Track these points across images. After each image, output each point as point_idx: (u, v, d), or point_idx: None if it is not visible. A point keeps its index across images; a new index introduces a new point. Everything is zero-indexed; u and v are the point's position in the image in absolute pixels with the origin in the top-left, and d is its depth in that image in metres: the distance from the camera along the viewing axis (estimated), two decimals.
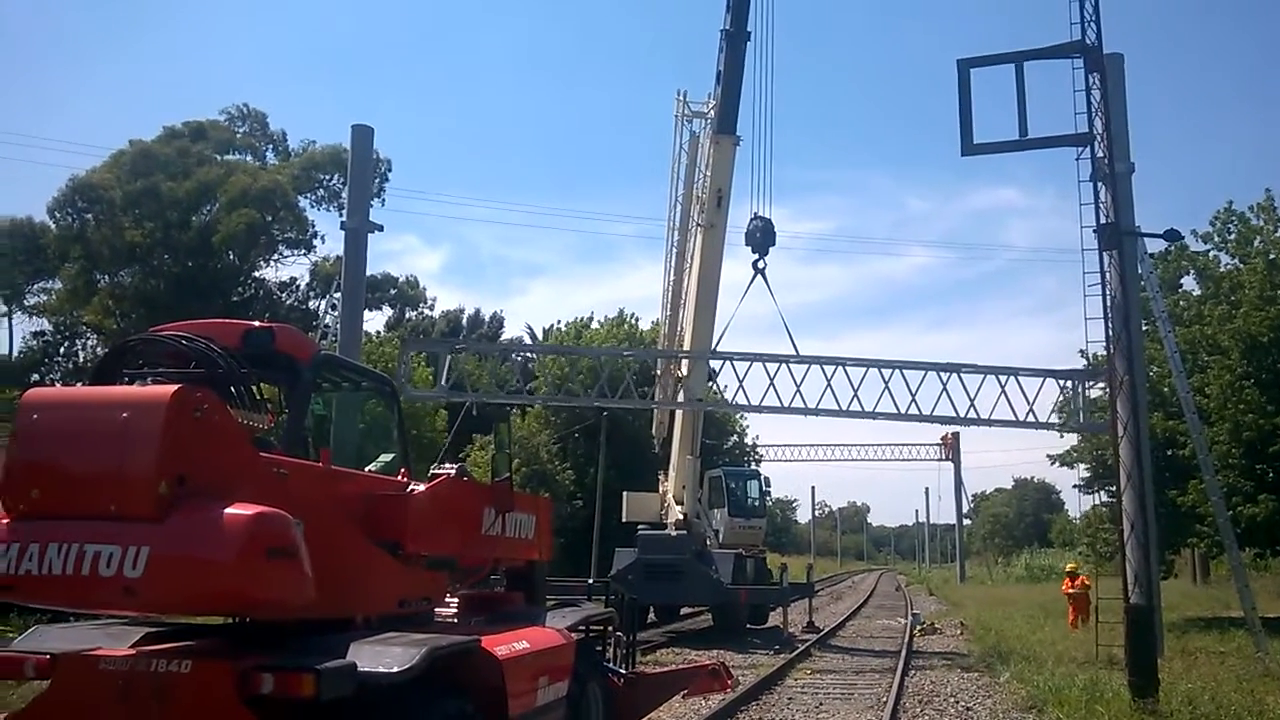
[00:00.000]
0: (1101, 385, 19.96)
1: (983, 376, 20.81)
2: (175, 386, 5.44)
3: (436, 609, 8.50)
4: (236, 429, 5.78)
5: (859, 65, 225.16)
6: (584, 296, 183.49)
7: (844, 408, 20.81)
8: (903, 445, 75.11)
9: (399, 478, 7.93)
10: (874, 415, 20.89)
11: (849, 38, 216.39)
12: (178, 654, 5.74)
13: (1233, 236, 27.22)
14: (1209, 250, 28.11)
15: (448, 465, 8.27)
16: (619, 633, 10.94)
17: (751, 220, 24.40)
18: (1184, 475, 23.93)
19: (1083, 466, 29.94)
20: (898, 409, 20.74)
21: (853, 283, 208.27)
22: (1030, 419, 20.37)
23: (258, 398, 6.38)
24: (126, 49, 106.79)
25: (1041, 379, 20.62)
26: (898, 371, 20.78)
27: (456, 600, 8.96)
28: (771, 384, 21.18)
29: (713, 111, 24.90)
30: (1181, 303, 27.74)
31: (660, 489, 27.67)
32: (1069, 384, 20.28)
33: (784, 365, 21.29)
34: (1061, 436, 21.13)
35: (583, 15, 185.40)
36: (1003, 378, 20.60)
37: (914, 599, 44.59)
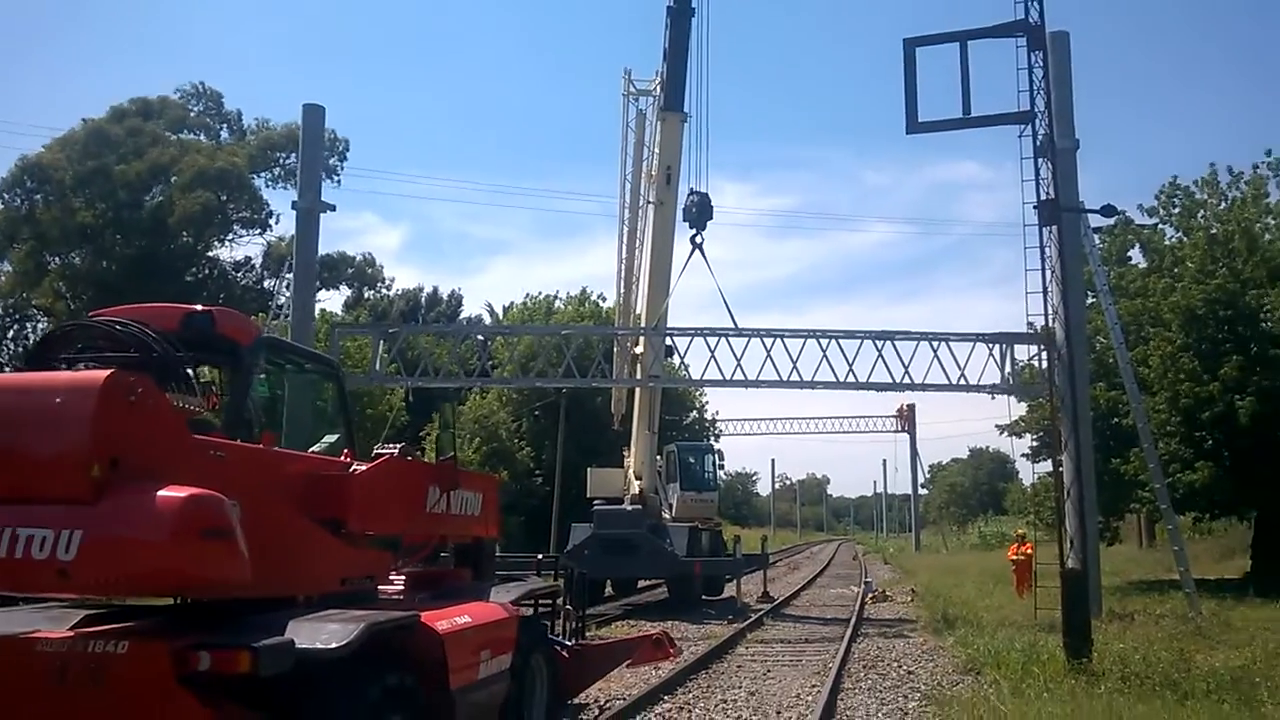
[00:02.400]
0: (1033, 351, 20.47)
1: (915, 344, 21.25)
2: (109, 370, 5.49)
3: (382, 587, 8.66)
4: (172, 412, 5.84)
5: (819, 42, 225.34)
6: (546, 274, 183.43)
7: (784, 378, 21.10)
8: (860, 418, 75.95)
9: (342, 458, 8.03)
10: (814, 385, 21.22)
11: (809, 13, 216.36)
12: (114, 635, 5.82)
13: (1176, 210, 27.80)
14: (1155, 224, 28.71)
15: (391, 445, 8.37)
16: (569, 606, 11.18)
17: (689, 195, 24.60)
18: (1127, 444, 24.54)
19: (1031, 436, 30.57)
20: (836, 378, 21.09)
21: (818, 257, 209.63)
22: (963, 383, 20.79)
23: (195, 381, 6.45)
24: (76, 27, 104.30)
25: (972, 343, 21.07)
26: (834, 341, 21.12)
27: (403, 578, 9.13)
28: (713, 357, 21.48)
29: (659, 89, 24.98)
30: (1127, 275, 28.30)
31: (624, 465, 27.92)
32: (998, 348, 20.72)
33: (724, 339, 21.55)
34: (993, 399, 21.62)
35: None
36: (936, 344, 21.05)
37: (869, 567, 45.35)
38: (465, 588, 9.09)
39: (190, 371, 6.69)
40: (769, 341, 21.28)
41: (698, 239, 24.67)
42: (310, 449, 8.69)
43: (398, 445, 8.37)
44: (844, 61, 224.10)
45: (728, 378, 21.43)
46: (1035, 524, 31.56)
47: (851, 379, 21.16)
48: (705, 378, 22.91)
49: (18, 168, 48.59)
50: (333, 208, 21.33)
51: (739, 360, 21.45)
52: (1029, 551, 23.58)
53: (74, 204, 48.94)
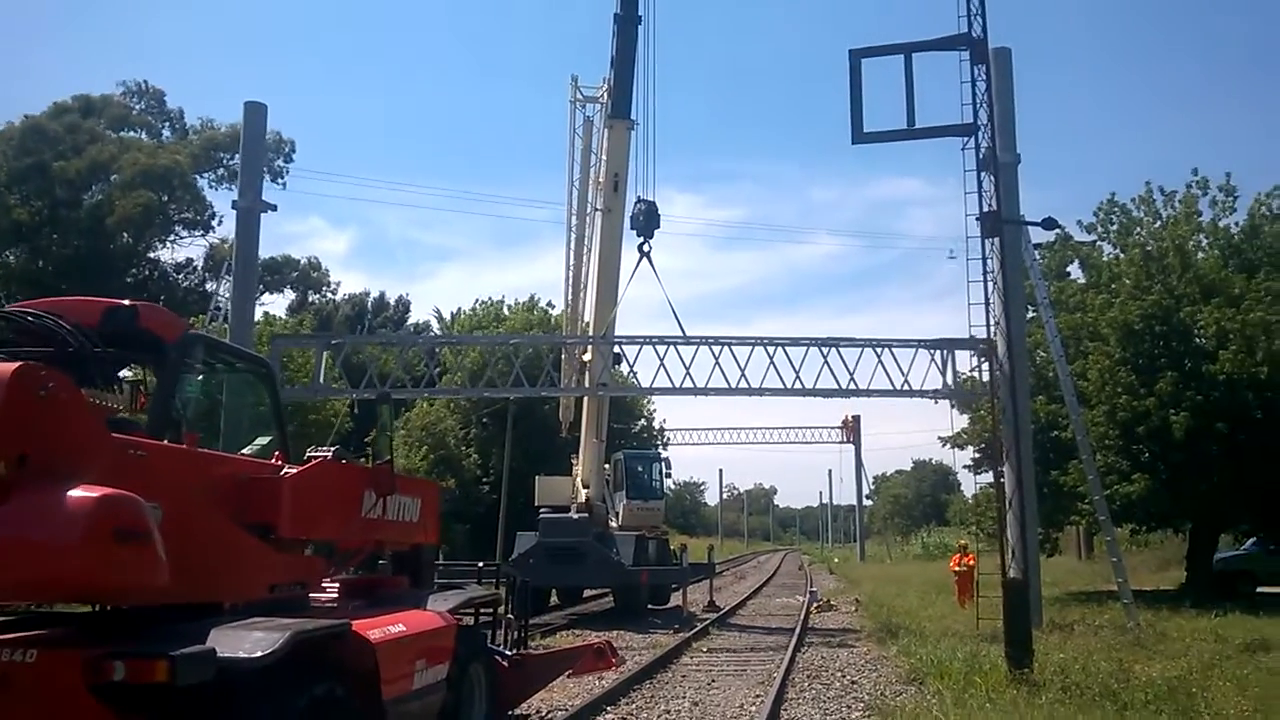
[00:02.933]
0: (975, 363, 20.69)
1: (860, 350, 21.35)
2: (17, 364, 5.21)
3: (315, 594, 8.41)
4: (86, 408, 5.57)
5: (768, 56, 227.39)
6: (496, 280, 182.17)
7: (732, 385, 21.10)
8: (806, 428, 76.42)
9: (273, 460, 7.78)
10: (761, 392, 21.22)
11: (759, 28, 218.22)
12: (23, 643, 5.52)
13: (1115, 228, 28.36)
14: (1094, 240, 29.26)
15: (324, 448, 8.13)
16: (510, 615, 10.98)
17: (636, 203, 24.59)
18: (1066, 456, 24.92)
19: (973, 448, 30.92)
20: (784, 385, 21.13)
21: (764, 269, 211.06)
22: (906, 388, 20.96)
23: (115, 377, 6.18)
24: (18, 19, 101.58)
25: (914, 349, 21.24)
26: (781, 349, 21.19)
27: (337, 585, 8.88)
28: (662, 365, 21.42)
29: (605, 96, 24.96)
30: (1066, 290, 28.79)
31: (572, 473, 27.73)
32: (939, 354, 20.94)
33: (672, 347, 21.51)
34: (936, 403, 21.84)
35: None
36: (879, 349, 21.18)
37: (815, 577, 45.56)
38: (402, 596, 8.87)
39: (114, 368, 6.41)
40: (717, 350, 21.26)
41: (645, 247, 24.68)
42: (242, 451, 8.45)
43: (331, 448, 8.12)
44: (793, 77, 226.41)
45: (676, 386, 21.36)
46: (977, 534, 31.92)
47: (799, 385, 21.21)
48: (653, 386, 22.79)
49: None
50: (274, 207, 20.89)
51: (688, 369, 21.48)
52: (971, 563, 23.79)
53: (9, 201, 47.55)
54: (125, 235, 50.53)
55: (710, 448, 78.98)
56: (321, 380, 21.28)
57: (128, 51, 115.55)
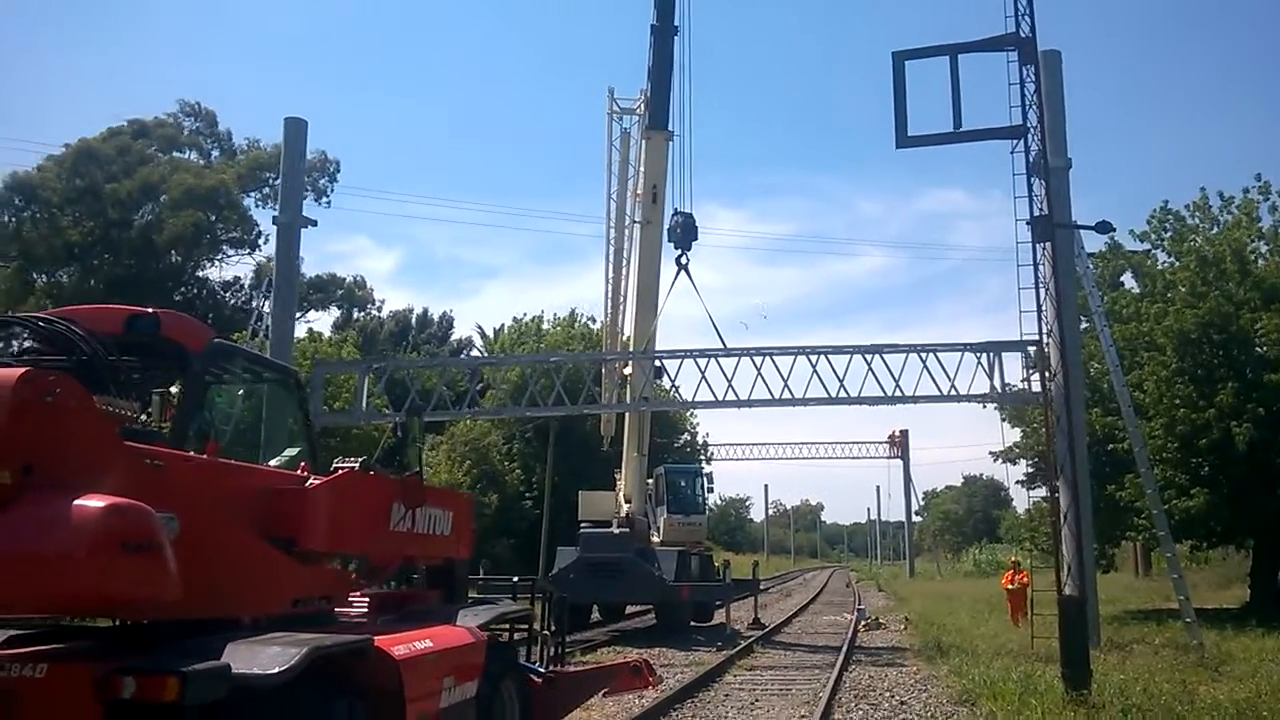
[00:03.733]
0: (1024, 374, 20.08)
1: (904, 356, 20.92)
2: (22, 369, 5.06)
3: (344, 609, 8.21)
4: (98, 417, 5.40)
5: (813, 69, 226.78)
6: (539, 297, 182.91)
7: (776, 396, 20.72)
8: (853, 443, 75.40)
9: (299, 472, 7.60)
10: (805, 402, 20.83)
11: (803, 40, 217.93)
12: (34, 657, 5.35)
13: (1169, 235, 27.57)
14: (1148, 249, 28.51)
15: (350, 459, 7.93)
16: (548, 631, 10.70)
17: (673, 216, 24.36)
18: (1123, 470, 24.16)
19: (1025, 462, 30.19)
20: (829, 394, 20.72)
21: (810, 284, 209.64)
22: (953, 393, 20.44)
23: (133, 385, 6.02)
24: (74, 41, 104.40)
25: (960, 353, 20.72)
26: (824, 358, 20.81)
27: (366, 600, 8.67)
28: (704, 378, 21.18)
29: (642, 108, 24.83)
30: (1121, 300, 28.02)
31: (615, 488, 27.50)
32: (985, 357, 20.39)
33: (714, 360, 21.23)
34: (984, 408, 21.24)
35: (544, 15, 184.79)
36: (924, 354, 20.69)
37: (863, 595, 44.77)
38: (433, 611, 8.63)
39: (132, 376, 6.26)
40: (759, 360, 20.94)
41: (683, 259, 24.47)
42: (270, 462, 8.29)
43: (359, 459, 7.92)
44: (837, 89, 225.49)
45: (718, 399, 21.04)
46: (1030, 550, 31.09)
47: (843, 395, 20.79)
48: (694, 400, 22.48)
49: (6, 185, 48.29)
50: (314, 223, 21.00)
51: (730, 381, 21.23)
52: (1024, 581, 23.10)
53: (62, 222, 48.63)
54: (174, 254, 51.45)
55: (756, 463, 78.08)
56: (364, 405, 21.28)
57: (178, 72, 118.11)
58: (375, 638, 6.56)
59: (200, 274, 54.62)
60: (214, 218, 50.98)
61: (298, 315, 57.54)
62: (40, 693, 5.13)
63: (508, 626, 9.48)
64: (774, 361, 20.92)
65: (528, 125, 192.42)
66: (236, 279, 55.23)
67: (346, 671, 6.16)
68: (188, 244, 49.96)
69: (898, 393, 20.74)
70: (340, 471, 7.53)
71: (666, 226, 24.58)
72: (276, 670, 5.31)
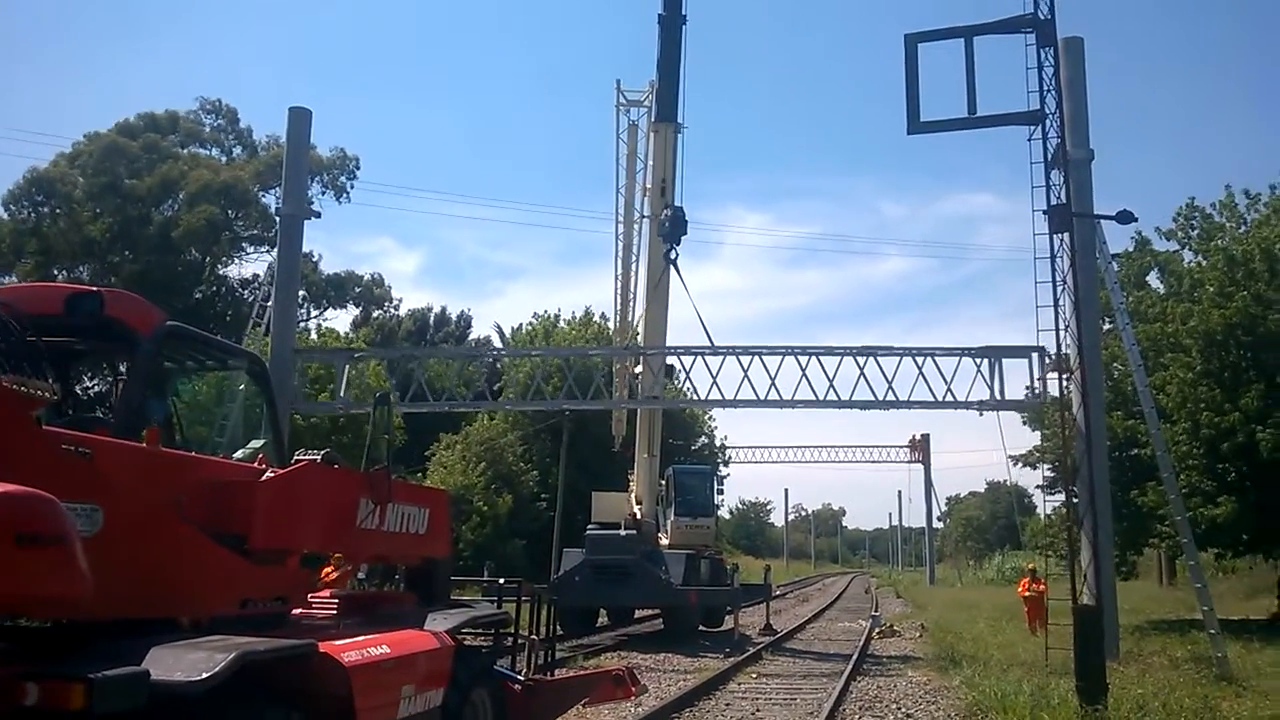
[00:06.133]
0: (1041, 366, 19.41)
1: (899, 359, 20.36)
2: None
3: (308, 611, 7.80)
4: (5, 399, 4.98)
5: (833, 70, 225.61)
6: (561, 298, 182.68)
7: (762, 397, 20.23)
8: (873, 447, 74.63)
9: (256, 464, 7.18)
10: (793, 404, 20.30)
11: (827, 42, 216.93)
12: None
13: (1195, 233, 26.80)
14: (1174, 248, 27.75)
15: (312, 451, 7.51)
16: (535, 636, 10.25)
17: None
18: (1146, 475, 23.44)
19: (1046, 466, 29.44)
20: (816, 396, 20.23)
21: (835, 287, 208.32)
22: (949, 399, 19.83)
23: (59, 367, 5.61)
24: (93, 36, 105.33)
25: (958, 357, 20.19)
26: (814, 358, 20.39)
27: (335, 601, 8.26)
28: (715, 382, 20.81)
29: (650, 100, 24.38)
30: (1145, 301, 27.25)
31: (628, 489, 27.06)
32: (985, 362, 19.77)
33: (699, 357, 20.95)
34: (980, 415, 20.32)
35: (568, 15, 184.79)
36: (920, 359, 20.13)
37: (881, 601, 44.11)
38: (404, 614, 8.18)
39: (61, 358, 5.86)
40: (745, 360, 20.55)
41: (672, 254, 23.94)
42: (235, 455, 7.90)
43: (321, 451, 7.49)
44: (863, 91, 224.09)
45: (723, 398, 20.59)
46: (1049, 557, 30.32)
47: (832, 397, 20.26)
48: (700, 398, 22.01)
49: (26, 180, 48.44)
50: (318, 215, 20.73)
51: (715, 378, 20.96)
52: (1041, 588, 22.42)
53: (82, 218, 48.71)
54: (194, 251, 51.42)
55: (777, 467, 77.35)
56: (342, 393, 20.86)
57: (205, 69, 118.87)
58: (324, 642, 6.13)
59: (220, 271, 54.66)
60: (235, 214, 50.96)
61: (316, 314, 57.75)
62: None
63: (481, 631, 9.04)
64: (762, 361, 20.53)
65: (558, 125, 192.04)
66: (256, 276, 55.23)
67: (288, 679, 5.73)
68: (203, 238, 49.88)
69: (891, 397, 20.19)
70: (298, 464, 7.11)
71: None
72: (200, 677, 4.89)
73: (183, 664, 4.96)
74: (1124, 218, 14.32)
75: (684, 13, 22.78)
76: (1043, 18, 12.64)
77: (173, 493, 6.01)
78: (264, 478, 6.75)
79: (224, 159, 53.78)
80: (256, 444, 8.03)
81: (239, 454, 7.99)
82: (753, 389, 20.65)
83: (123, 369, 7.04)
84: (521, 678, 9.00)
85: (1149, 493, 23.31)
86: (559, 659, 15.87)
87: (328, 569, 9.95)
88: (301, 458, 7.32)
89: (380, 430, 7.74)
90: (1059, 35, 13.73)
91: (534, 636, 10.21)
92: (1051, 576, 23.99)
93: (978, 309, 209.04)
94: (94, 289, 6.50)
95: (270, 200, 53.19)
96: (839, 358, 20.35)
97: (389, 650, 6.63)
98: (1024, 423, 29.37)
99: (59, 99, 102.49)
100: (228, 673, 4.95)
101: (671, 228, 23.69)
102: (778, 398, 20.21)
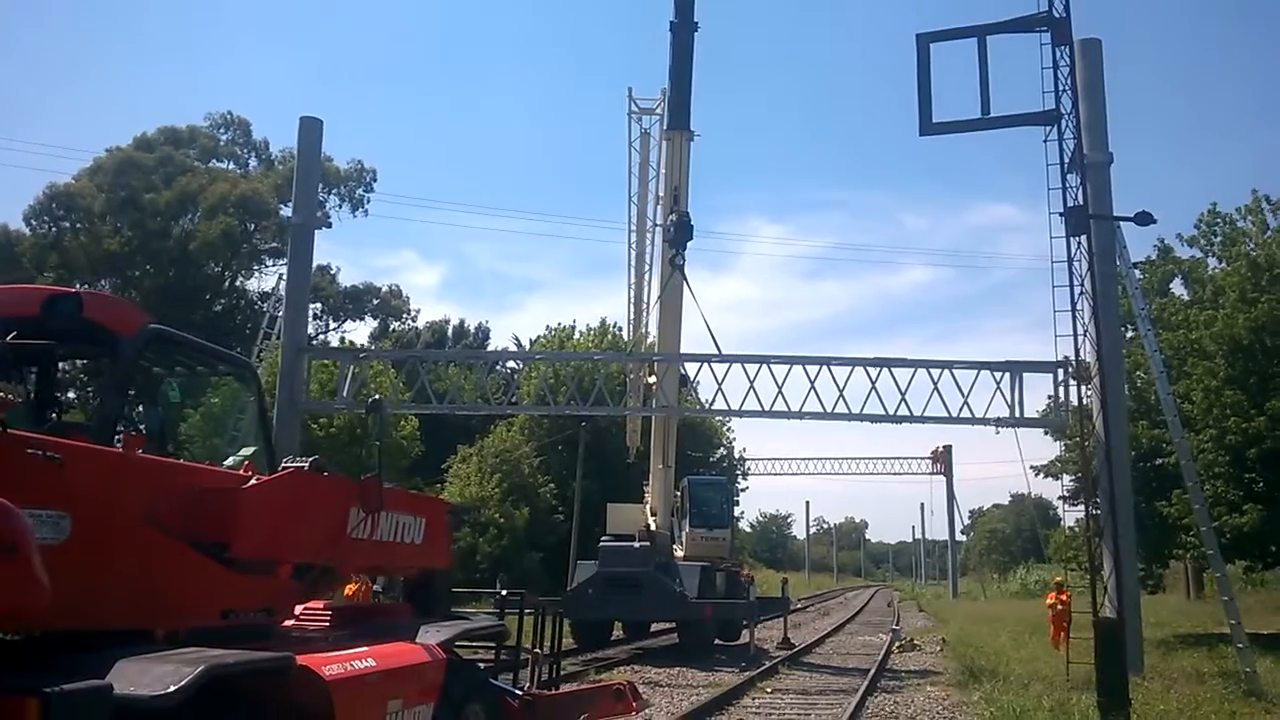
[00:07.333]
0: (1061, 376, 18.97)
1: (914, 371, 19.98)
2: None
3: (297, 623, 7.61)
4: None
5: (852, 81, 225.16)
6: (579, 311, 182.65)
7: (768, 408, 19.95)
8: (895, 459, 73.69)
9: (241, 472, 6.98)
10: (801, 415, 20.06)
11: (849, 56, 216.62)
12: None
13: (1218, 239, 26.33)
14: (1196, 255, 27.30)
15: (300, 459, 7.30)
16: (537, 649, 10.00)
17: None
18: (1170, 485, 22.94)
19: (1068, 478, 28.90)
20: (824, 408, 19.95)
21: (856, 299, 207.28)
22: (967, 414, 19.44)
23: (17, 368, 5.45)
24: (109, 52, 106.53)
25: (976, 371, 19.76)
26: (825, 368, 20.06)
27: (328, 614, 8.05)
28: (719, 389, 20.60)
29: (662, 108, 24.23)
30: (1168, 308, 26.77)
31: (644, 501, 26.78)
32: (1006, 376, 19.34)
33: (706, 365, 20.81)
34: (998, 433, 19.74)
35: (587, 26, 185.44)
36: (935, 372, 19.75)
37: (903, 615, 43.57)
38: (397, 626, 7.96)
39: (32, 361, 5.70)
40: (752, 369, 20.30)
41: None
42: (225, 462, 7.71)
43: (309, 458, 7.29)
44: (882, 102, 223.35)
45: (737, 408, 20.34)
46: (1072, 569, 29.78)
47: (842, 409, 19.94)
48: (716, 408, 21.75)
49: (46, 195, 48.92)
50: (329, 224, 20.71)
51: (720, 385, 20.79)
52: (1066, 600, 21.95)
53: (102, 232, 49.10)
54: (212, 264, 51.71)
55: (798, 479, 76.86)
56: (345, 393, 20.71)
57: (226, 83, 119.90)
58: (304, 655, 5.91)
59: (239, 284, 54.96)
60: (253, 227, 51.23)
61: (334, 326, 57.87)
62: None
63: (480, 644, 8.80)
64: (771, 370, 20.28)
65: (581, 135, 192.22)
66: (274, 288, 55.52)
67: (263, 694, 5.51)
68: (220, 250, 50.14)
69: (905, 410, 19.82)
70: (284, 471, 6.91)
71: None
72: (166, 691, 4.67)
73: (148, 677, 4.74)
74: (1143, 219, 13.94)
75: (695, 20, 22.65)
76: (1057, 16, 12.35)
77: (148, 500, 5.82)
78: (246, 485, 6.56)
79: (240, 172, 54.14)
80: (247, 452, 7.85)
81: (229, 461, 7.82)
82: (758, 399, 20.42)
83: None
84: (519, 692, 8.74)
85: (1174, 502, 22.83)
86: (570, 673, 15.68)
87: (351, 584, 9.78)
88: (289, 465, 7.12)
89: (373, 436, 7.54)
90: (1075, 36, 13.47)
91: (537, 650, 9.98)
92: (1075, 589, 23.47)
93: (1001, 320, 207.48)
94: (72, 290, 6.34)
95: (288, 213, 53.72)
96: (850, 368, 19.97)
97: (374, 663, 6.40)
98: (1046, 433, 28.87)
99: (79, 114, 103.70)
100: (194, 686, 4.74)
101: (677, 233, 23.51)
102: (785, 408, 19.93)
